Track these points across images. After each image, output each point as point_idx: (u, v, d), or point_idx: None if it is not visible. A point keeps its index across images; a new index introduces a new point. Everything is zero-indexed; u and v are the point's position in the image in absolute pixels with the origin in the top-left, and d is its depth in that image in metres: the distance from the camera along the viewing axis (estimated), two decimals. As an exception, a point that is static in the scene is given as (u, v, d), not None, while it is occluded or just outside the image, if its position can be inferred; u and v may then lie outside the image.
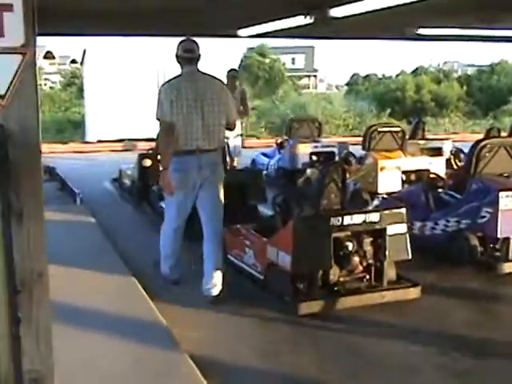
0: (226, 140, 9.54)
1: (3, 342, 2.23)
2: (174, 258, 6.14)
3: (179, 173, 5.66)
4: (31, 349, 2.29)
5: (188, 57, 5.73)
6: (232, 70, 10.96)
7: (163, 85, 5.73)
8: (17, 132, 2.18)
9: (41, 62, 42.07)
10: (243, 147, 11.60)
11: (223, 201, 5.99)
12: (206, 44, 20.83)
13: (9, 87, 2.13)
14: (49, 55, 45.05)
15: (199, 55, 5.81)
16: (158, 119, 5.67)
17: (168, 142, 5.62)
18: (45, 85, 36.69)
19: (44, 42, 38.41)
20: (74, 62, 41.06)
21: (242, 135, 11.61)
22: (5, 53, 2.12)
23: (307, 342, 4.94)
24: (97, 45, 20.23)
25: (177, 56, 5.80)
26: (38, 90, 2.22)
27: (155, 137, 6.06)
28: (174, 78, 5.79)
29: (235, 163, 10.02)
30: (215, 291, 5.74)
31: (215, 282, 5.74)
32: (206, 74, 5.84)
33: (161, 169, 5.77)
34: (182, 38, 5.84)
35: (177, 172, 5.66)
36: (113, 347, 4.47)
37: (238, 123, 10.64)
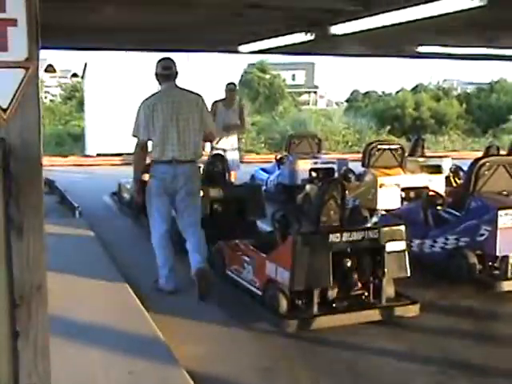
0: (223, 153, 9.64)
1: (2, 357, 2.22)
2: (167, 266, 6.35)
3: (157, 181, 6.22)
4: (29, 363, 2.29)
5: (166, 74, 6.21)
6: (230, 83, 10.97)
7: (142, 102, 6.18)
8: (18, 146, 2.18)
9: (42, 75, 42.20)
10: (241, 162, 11.59)
11: (200, 208, 6.49)
12: (207, 59, 20.80)
13: (11, 101, 2.14)
14: (50, 69, 45.12)
15: (176, 72, 6.26)
16: (134, 136, 6.18)
17: (140, 158, 6.30)
18: (45, 98, 36.72)
19: (45, 56, 38.50)
20: (74, 75, 41.12)
21: (239, 149, 11.59)
22: (8, 67, 2.13)
23: (305, 359, 4.92)
24: (98, 59, 20.30)
25: (156, 74, 6.27)
26: (40, 104, 2.23)
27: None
28: (153, 94, 6.23)
29: (233, 178, 10.01)
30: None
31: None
32: (183, 89, 6.28)
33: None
34: (160, 57, 6.32)
35: (155, 180, 6.24)
36: (109, 361, 4.45)
37: (235, 137, 10.80)
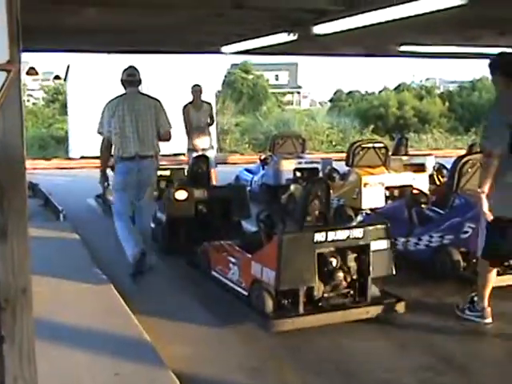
0: (199, 152, 9.85)
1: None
2: (132, 238, 7.02)
3: (121, 176, 7.00)
4: (15, 367, 2.27)
5: (130, 80, 7.07)
6: (195, 85, 11.29)
7: (107, 103, 6.99)
8: (1, 149, 2.17)
9: (24, 78, 41.90)
10: (225, 163, 11.73)
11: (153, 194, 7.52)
12: (190, 60, 20.86)
13: (-6, 104, 2.13)
14: (32, 71, 44.88)
15: (140, 79, 7.15)
16: (98, 133, 6.98)
17: (105, 152, 7.08)
18: (28, 101, 36.54)
19: (27, 58, 38.28)
20: (57, 77, 40.92)
21: (213, 147, 11.83)
22: (-10, 70, 2.12)
23: (293, 359, 4.93)
24: (80, 61, 20.22)
25: (121, 80, 7.11)
26: (22, 107, 2.22)
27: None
28: (116, 97, 7.06)
29: (213, 179, 10.11)
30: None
31: (140, 244, 6.89)
32: (144, 94, 7.23)
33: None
34: (126, 67, 7.18)
35: (121, 174, 7.00)
36: (96, 363, 4.44)
37: (208, 137, 11.09)
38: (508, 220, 5.09)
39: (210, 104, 11.80)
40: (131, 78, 7.07)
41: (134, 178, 6.93)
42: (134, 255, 6.88)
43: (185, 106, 11.29)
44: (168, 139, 7.19)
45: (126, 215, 7.12)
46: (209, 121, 11.57)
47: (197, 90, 11.29)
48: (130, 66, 7.17)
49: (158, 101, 7.18)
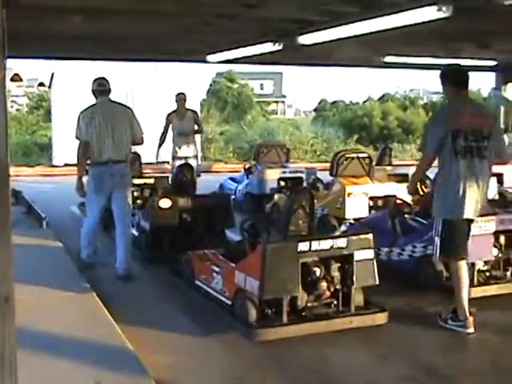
0: (183, 161, 9.88)
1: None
2: (91, 247, 7.64)
3: (96, 179, 7.29)
4: (-4, 376, 2.26)
5: (101, 89, 7.38)
6: (179, 93, 11.32)
7: (82, 112, 7.34)
8: (-15, 156, 2.16)
9: (8, 84, 41.61)
10: (210, 171, 11.74)
11: (129, 200, 7.58)
12: (175, 68, 20.76)
13: (-22, 111, 2.12)
14: (16, 78, 44.72)
15: (110, 89, 7.45)
16: (76, 138, 7.36)
17: (83, 156, 7.38)
18: (11, 107, 36.34)
19: (11, 65, 38.12)
20: (41, 84, 40.82)
21: (197, 156, 11.80)
22: (-26, 76, 2.11)
23: (277, 369, 4.92)
24: (65, 68, 20.15)
25: (92, 90, 7.41)
26: (7, 114, 2.21)
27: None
28: (90, 106, 7.38)
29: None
30: (125, 269, 7.22)
31: (126, 262, 7.26)
32: (115, 102, 7.51)
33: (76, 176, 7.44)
34: (96, 77, 7.52)
35: (94, 179, 7.31)
36: (78, 372, 4.40)
37: (192, 145, 11.10)
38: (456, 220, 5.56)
39: (195, 112, 11.78)
40: (102, 87, 7.40)
41: (107, 182, 7.24)
42: (87, 254, 7.63)
43: (168, 114, 11.32)
44: (140, 143, 7.60)
45: (94, 218, 7.54)
46: (196, 128, 11.57)
47: (181, 98, 11.30)
48: (101, 77, 7.53)
49: (129, 108, 7.60)
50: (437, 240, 5.67)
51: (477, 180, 5.40)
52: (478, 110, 5.72)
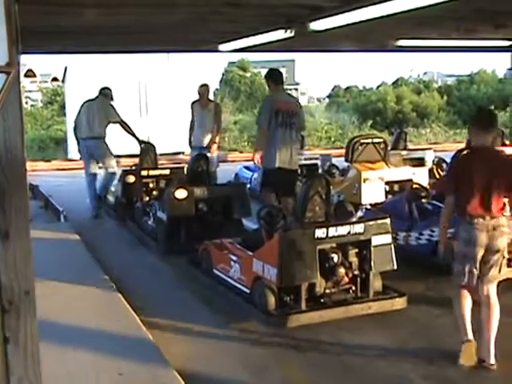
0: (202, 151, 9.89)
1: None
2: (94, 200, 10.75)
3: (82, 148, 10.81)
4: (19, 368, 2.28)
5: (105, 93, 10.85)
6: (202, 84, 11.09)
7: (82, 104, 10.78)
8: (2, 151, 2.18)
9: (22, 80, 41.62)
10: (224, 161, 11.64)
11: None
12: (187, 59, 20.68)
13: (-7, 106, 2.13)
14: (29, 73, 44.80)
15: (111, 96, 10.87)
16: (74, 122, 10.92)
17: (77, 133, 10.79)
18: (26, 103, 36.47)
19: (25, 61, 38.20)
20: (55, 79, 40.87)
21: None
22: (-11, 72, 2.12)
23: (295, 356, 4.94)
24: (78, 62, 20.18)
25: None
26: (22, 109, 2.22)
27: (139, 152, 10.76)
28: (88, 100, 10.83)
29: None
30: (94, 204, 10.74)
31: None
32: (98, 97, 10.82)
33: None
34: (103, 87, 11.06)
35: (81, 148, 10.85)
36: (100, 363, 4.45)
37: (209, 136, 10.87)
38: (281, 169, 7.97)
39: (218, 104, 11.66)
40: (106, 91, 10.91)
41: (87, 150, 10.68)
42: (92, 210, 10.70)
43: (192, 103, 11.03)
44: (119, 123, 10.76)
45: (89, 176, 10.80)
46: (212, 122, 11.01)
47: (204, 89, 11.03)
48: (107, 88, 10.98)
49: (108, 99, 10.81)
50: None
51: (289, 142, 8.05)
52: (288, 99, 8.45)
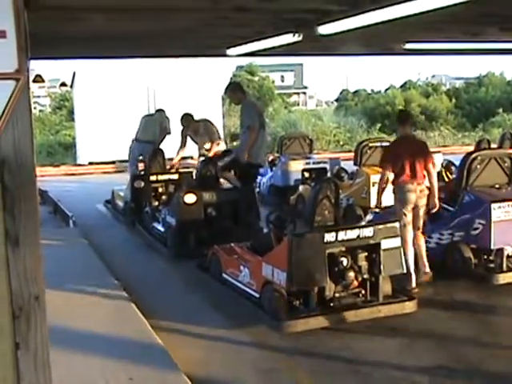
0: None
1: (7, 369, 2.22)
2: None
3: None
4: (30, 373, 2.28)
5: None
6: (184, 115, 10.85)
7: None
8: (12, 157, 2.18)
9: (31, 85, 41.72)
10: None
11: None
12: (195, 64, 20.70)
13: (3, 112, 2.13)
14: (38, 79, 45.02)
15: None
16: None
17: None
18: (35, 108, 36.63)
19: (33, 66, 38.39)
20: (63, 84, 41.03)
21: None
22: (-1, 78, 2.13)
23: (305, 360, 4.93)
24: (86, 67, 20.23)
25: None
26: (31, 115, 2.23)
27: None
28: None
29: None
30: None
31: None
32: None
33: None
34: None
35: None
36: (110, 368, 4.46)
37: (222, 143, 10.83)
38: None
39: (205, 121, 11.11)
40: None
41: None
42: None
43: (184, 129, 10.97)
44: None
45: None
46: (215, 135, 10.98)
47: (186, 120, 10.84)
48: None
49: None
50: None
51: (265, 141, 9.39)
52: (260, 105, 10.60)
